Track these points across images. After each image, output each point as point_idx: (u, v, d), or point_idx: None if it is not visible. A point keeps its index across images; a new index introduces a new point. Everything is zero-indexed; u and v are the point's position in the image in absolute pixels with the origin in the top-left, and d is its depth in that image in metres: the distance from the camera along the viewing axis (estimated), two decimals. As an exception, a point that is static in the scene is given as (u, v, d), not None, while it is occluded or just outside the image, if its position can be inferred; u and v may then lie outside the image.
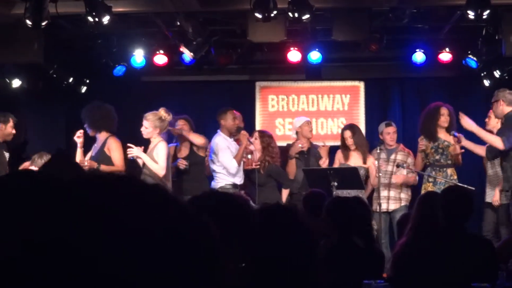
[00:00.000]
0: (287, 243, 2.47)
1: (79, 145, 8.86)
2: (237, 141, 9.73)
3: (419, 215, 5.41)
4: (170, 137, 9.61)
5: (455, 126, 9.51)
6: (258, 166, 9.51)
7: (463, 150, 9.33)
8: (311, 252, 2.57)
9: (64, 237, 0.86)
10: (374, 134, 10.78)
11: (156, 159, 8.60)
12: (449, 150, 9.46)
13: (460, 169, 9.63)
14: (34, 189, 0.93)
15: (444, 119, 9.55)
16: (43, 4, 7.94)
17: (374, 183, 9.69)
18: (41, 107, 11.68)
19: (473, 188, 8.45)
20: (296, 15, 8.36)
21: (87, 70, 11.63)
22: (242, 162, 9.51)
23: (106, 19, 8.26)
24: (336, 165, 9.76)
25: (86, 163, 8.54)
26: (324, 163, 9.77)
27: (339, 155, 9.94)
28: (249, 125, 10.84)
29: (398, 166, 9.68)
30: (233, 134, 9.75)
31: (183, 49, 10.34)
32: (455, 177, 9.45)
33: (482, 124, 9.76)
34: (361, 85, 12.10)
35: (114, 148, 8.75)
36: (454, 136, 9.26)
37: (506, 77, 10.74)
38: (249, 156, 9.56)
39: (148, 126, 8.75)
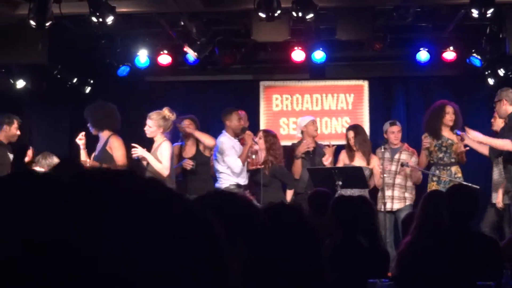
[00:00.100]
0: (292, 243, 2.47)
1: (81, 146, 8.87)
2: (242, 140, 9.72)
3: (424, 214, 5.40)
4: (175, 136, 9.60)
5: (460, 125, 9.48)
6: (262, 166, 9.50)
7: (467, 148, 9.31)
8: (316, 251, 2.57)
9: (64, 236, 0.86)
10: (378, 133, 10.77)
11: (160, 159, 8.60)
12: (452, 148, 9.44)
13: (465, 168, 9.61)
14: (34, 189, 0.92)
15: (449, 117, 9.52)
16: (47, 4, 7.95)
17: (379, 183, 9.68)
18: (45, 108, 11.69)
19: (478, 187, 8.43)
20: (300, 14, 8.36)
21: (91, 71, 11.63)
22: (246, 162, 9.51)
23: (110, 20, 8.27)
24: (340, 165, 9.74)
25: (88, 163, 8.54)
26: (327, 160, 9.75)
27: (343, 156, 9.93)
28: (253, 124, 10.84)
29: (402, 165, 9.67)
30: (238, 134, 9.75)
31: (187, 49, 10.34)
32: (460, 175, 9.43)
33: (488, 124, 9.76)
34: (365, 84, 12.09)
35: (116, 147, 8.74)
36: (457, 134, 9.23)
37: (510, 76, 10.71)
38: (254, 156, 9.55)
39: (152, 125, 8.75)
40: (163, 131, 8.76)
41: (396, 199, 9.76)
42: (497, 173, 9.18)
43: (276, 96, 12.20)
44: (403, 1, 9.12)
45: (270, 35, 9.53)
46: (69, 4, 8.61)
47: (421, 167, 9.71)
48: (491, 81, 11.04)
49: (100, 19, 8.21)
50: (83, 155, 8.87)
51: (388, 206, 9.62)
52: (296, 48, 10.76)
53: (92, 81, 11.70)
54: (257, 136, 9.77)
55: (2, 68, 10.60)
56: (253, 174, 9.63)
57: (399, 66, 11.85)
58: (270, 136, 9.80)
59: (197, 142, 9.62)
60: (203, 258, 0.91)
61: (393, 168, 9.80)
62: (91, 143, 9.03)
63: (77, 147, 8.99)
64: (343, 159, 9.88)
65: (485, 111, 10.43)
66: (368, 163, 9.74)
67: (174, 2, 8.95)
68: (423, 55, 10.92)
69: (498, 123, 9.29)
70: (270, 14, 8.22)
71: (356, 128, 10.04)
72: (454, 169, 9.45)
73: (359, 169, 9.31)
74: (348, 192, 8.90)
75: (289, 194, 9.80)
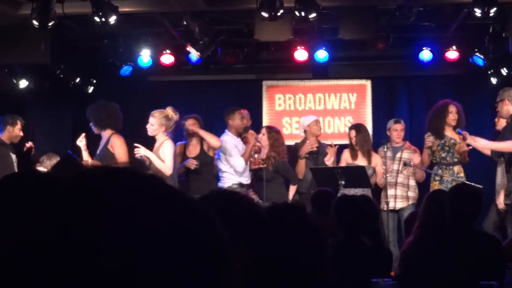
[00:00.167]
0: (295, 242, 2.47)
1: (83, 148, 8.86)
2: (245, 139, 9.72)
3: (427, 214, 5.40)
4: (179, 135, 9.58)
5: (463, 124, 9.48)
6: (265, 165, 9.50)
7: (470, 147, 9.30)
8: (319, 251, 2.57)
9: (64, 235, 0.86)
10: (381, 132, 10.76)
11: (162, 158, 8.59)
12: (455, 148, 9.43)
13: (467, 168, 9.60)
14: (35, 188, 0.92)
15: (452, 116, 9.51)
16: (50, 4, 7.95)
17: (380, 182, 9.68)
18: (48, 108, 11.70)
19: (481, 186, 8.42)
20: (303, 14, 8.36)
21: (93, 70, 11.64)
22: (249, 162, 9.51)
23: (112, 19, 8.27)
24: (342, 164, 9.73)
25: (89, 163, 8.54)
26: (328, 160, 9.74)
27: (345, 155, 9.91)
28: (256, 124, 10.83)
29: (405, 164, 9.66)
30: (241, 133, 9.75)
31: (189, 48, 10.34)
32: (462, 175, 9.42)
33: (490, 123, 9.75)
34: (368, 83, 12.09)
35: (117, 145, 8.73)
36: (459, 133, 9.22)
37: (513, 75, 10.72)
38: (256, 156, 9.55)
39: (154, 123, 8.74)
40: (164, 130, 8.75)
41: (399, 198, 9.75)
42: (500, 173, 9.17)
43: (279, 96, 12.20)
44: (406, 0, 9.12)
45: (272, 35, 9.53)
46: (72, 4, 8.62)
47: (423, 166, 9.70)
48: (494, 80, 11.04)
49: (103, 19, 8.21)
50: (85, 156, 8.87)
51: (391, 205, 9.61)
52: (299, 47, 10.76)
53: (94, 81, 11.71)
54: (260, 132, 9.77)
55: (5, 68, 10.62)
56: (256, 169, 9.62)
57: (402, 65, 11.85)
58: (274, 132, 9.79)
59: (201, 141, 9.58)
60: (205, 258, 0.90)
61: (395, 167, 9.80)
62: (94, 142, 9.03)
63: (78, 148, 8.99)
64: (346, 158, 9.87)
65: (488, 111, 10.42)
66: (369, 162, 9.73)
67: (177, 1, 8.95)
68: (426, 55, 10.91)
69: (502, 123, 9.26)
70: (273, 13, 8.22)
71: (357, 127, 10.04)
72: (456, 168, 9.44)
73: (362, 168, 9.30)
74: (352, 191, 8.90)
75: (292, 190, 9.79)
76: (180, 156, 9.43)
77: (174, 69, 11.53)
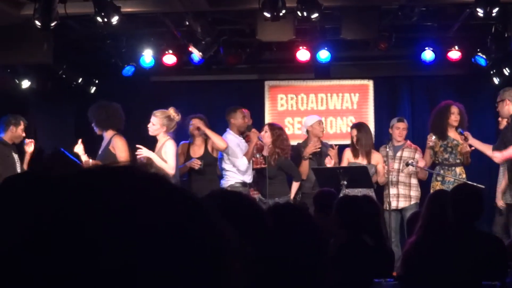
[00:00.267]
0: (297, 242, 2.47)
1: (81, 153, 8.86)
2: (247, 137, 9.71)
3: (429, 214, 5.39)
4: (184, 135, 9.56)
5: (465, 125, 9.47)
6: (266, 165, 9.48)
7: (472, 148, 9.29)
8: (321, 251, 2.57)
9: (64, 235, 0.86)
10: (383, 132, 10.76)
11: (164, 158, 8.59)
12: (458, 149, 9.42)
13: (468, 169, 9.59)
14: (34, 188, 0.92)
15: (454, 117, 9.50)
16: (52, 5, 7.95)
17: (382, 180, 9.68)
18: (50, 108, 11.70)
19: (483, 187, 8.42)
20: (305, 14, 8.36)
21: (96, 71, 11.65)
22: (251, 161, 9.50)
23: (115, 20, 8.28)
24: (344, 163, 9.72)
25: (90, 163, 8.54)
26: (329, 162, 9.73)
27: (347, 154, 9.89)
28: (258, 124, 10.82)
29: (407, 164, 9.64)
30: (243, 132, 9.75)
31: (192, 49, 10.34)
32: (464, 176, 9.41)
33: (492, 123, 9.74)
34: (370, 83, 12.09)
35: (119, 146, 8.74)
36: (461, 133, 9.22)
37: (516, 75, 10.72)
38: (258, 155, 9.54)
39: (156, 123, 8.75)
40: (166, 131, 8.74)
41: (401, 197, 9.74)
42: (502, 173, 9.17)
43: (281, 96, 12.20)
44: (408, 0, 9.11)
45: (275, 35, 9.53)
46: (74, 4, 8.62)
47: (425, 166, 9.70)
48: (496, 80, 11.03)
49: (105, 19, 8.22)
50: (85, 158, 8.85)
51: (394, 204, 9.59)
52: (301, 47, 10.77)
53: (97, 81, 11.72)
54: (262, 130, 9.76)
55: (7, 68, 10.63)
56: (258, 169, 9.61)
57: (404, 65, 11.85)
58: (276, 129, 9.78)
59: (206, 142, 9.56)
60: (204, 258, 0.90)
61: (396, 165, 9.79)
62: (97, 142, 9.03)
63: (78, 154, 8.96)
64: (347, 157, 9.85)
65: (490, 111, 10.41)
66: (369, 162, 9.71)
67: (179, 1, 8.95)
68: (428, 55, 10.91)
69: (505, 123, 9.27)
70: (275, 13, 8.22)
71: (358, 126, 10.02)
72: (458, 169, 9.43)
73: (364, 168, 9.29)
74: (355, 191, 8.88)
75: (295, 187, 9.78)
76: (183, 156, 9.42)
77: (176, 69, 11.53)
